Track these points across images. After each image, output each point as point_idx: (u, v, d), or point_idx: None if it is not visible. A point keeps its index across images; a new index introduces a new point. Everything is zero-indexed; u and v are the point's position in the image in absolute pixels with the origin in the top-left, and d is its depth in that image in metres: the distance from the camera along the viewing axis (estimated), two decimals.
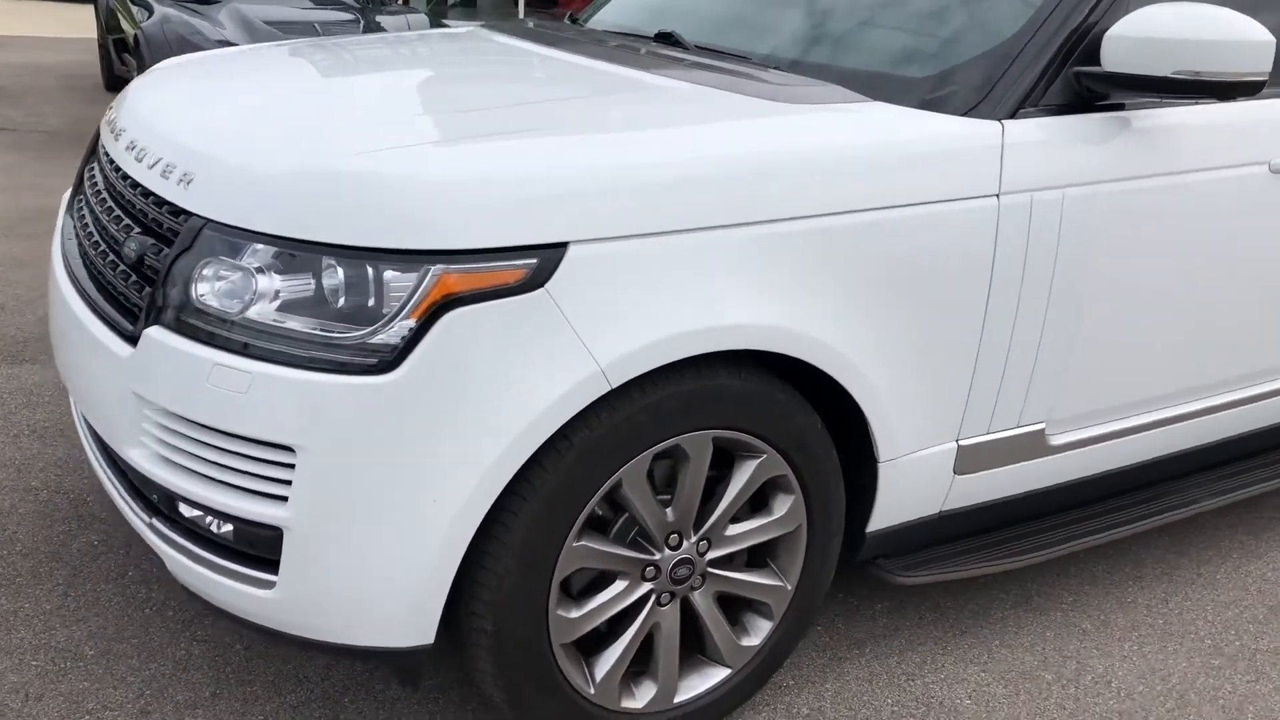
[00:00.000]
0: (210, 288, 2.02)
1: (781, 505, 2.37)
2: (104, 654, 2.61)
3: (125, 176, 2.35)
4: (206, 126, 2.26)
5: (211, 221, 2.03)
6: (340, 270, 1.93)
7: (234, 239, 2.01)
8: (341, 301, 1.93)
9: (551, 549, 2.08)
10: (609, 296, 1.99)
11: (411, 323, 1.90)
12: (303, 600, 2.03)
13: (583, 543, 2.15)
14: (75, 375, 2.39)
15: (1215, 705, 2.67)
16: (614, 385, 2.00)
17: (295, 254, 1.96)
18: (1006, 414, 2.60)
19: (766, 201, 2.13)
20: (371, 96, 2.47)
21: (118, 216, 2.32)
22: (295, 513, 1.96)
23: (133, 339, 2.11)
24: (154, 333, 2.05)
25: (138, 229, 2.22)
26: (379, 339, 1.91)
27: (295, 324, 1.94)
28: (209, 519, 2.09)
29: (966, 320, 2.41)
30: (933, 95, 2.46)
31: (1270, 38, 2.37)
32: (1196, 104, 2.70)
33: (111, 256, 2.30)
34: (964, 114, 2.40)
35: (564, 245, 1.96)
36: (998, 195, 2.38)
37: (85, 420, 2.56)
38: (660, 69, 2.67)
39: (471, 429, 1.94)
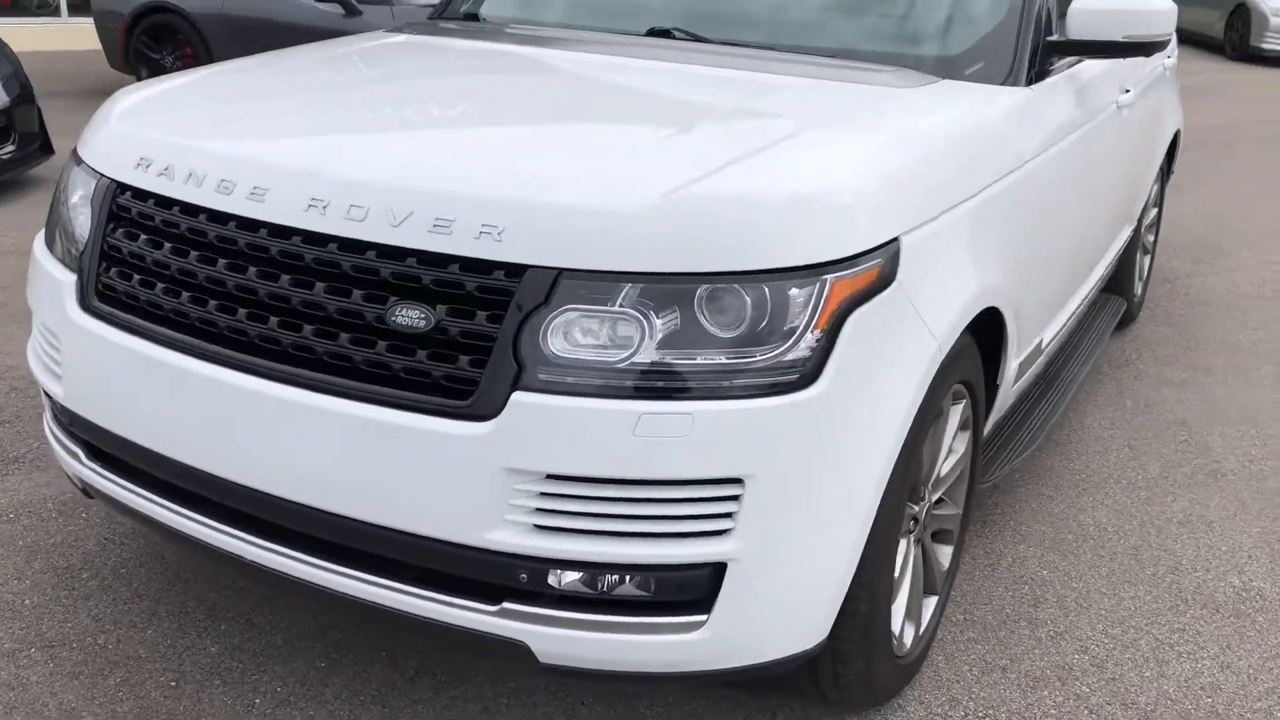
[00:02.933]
0: (579, 337, 1.91)
1: (961, 442, 2.69)
2: None
3: (325, 241, 2.05)
4: (450, 169, 2.06)
5: (567, 270, 1.90)
6: (743, 295, 1.92)
7: (599, 284, 1.91)
8: (743, 326, 1.93)
9: (896, 519, 2.24)
10: (929, 278, 2.19)
11: (818, 334, 1.96)
12: (735, 630, 2.01)
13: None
14: (306, 480, 2.06)
15: None
16: (943, 358, 2.21)
17: (669, 287, 1.92)
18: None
19: (981, 174, 2.45)
20: (560, 115, 2.44)
21: (340, 288, 2.03)
22: (743, 543, 1.94)
23: (474, 415, 1.91)
24: (524, 399, 1.89)
25: (397, 297, 1.98)
26: (792, 355, 1.94)
27: (702, 358, 1.91)
28: (607, 578, 1.97)
29: (1041, 242, 2.91)
30: (972, 70, 2.87)
31: (1174, 5, 3.08)
32: (1089, 61, 3.37)
33: (346, 335, 2.02)
34: (1009, 85, 2.83)
35: (898, 239, 2.11)
36: (1038, 156, 2.85)
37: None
38: (748, 68, 2.78)
39: (875, 425, 2.05)
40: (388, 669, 2.58)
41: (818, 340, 1.95)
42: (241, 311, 2.12)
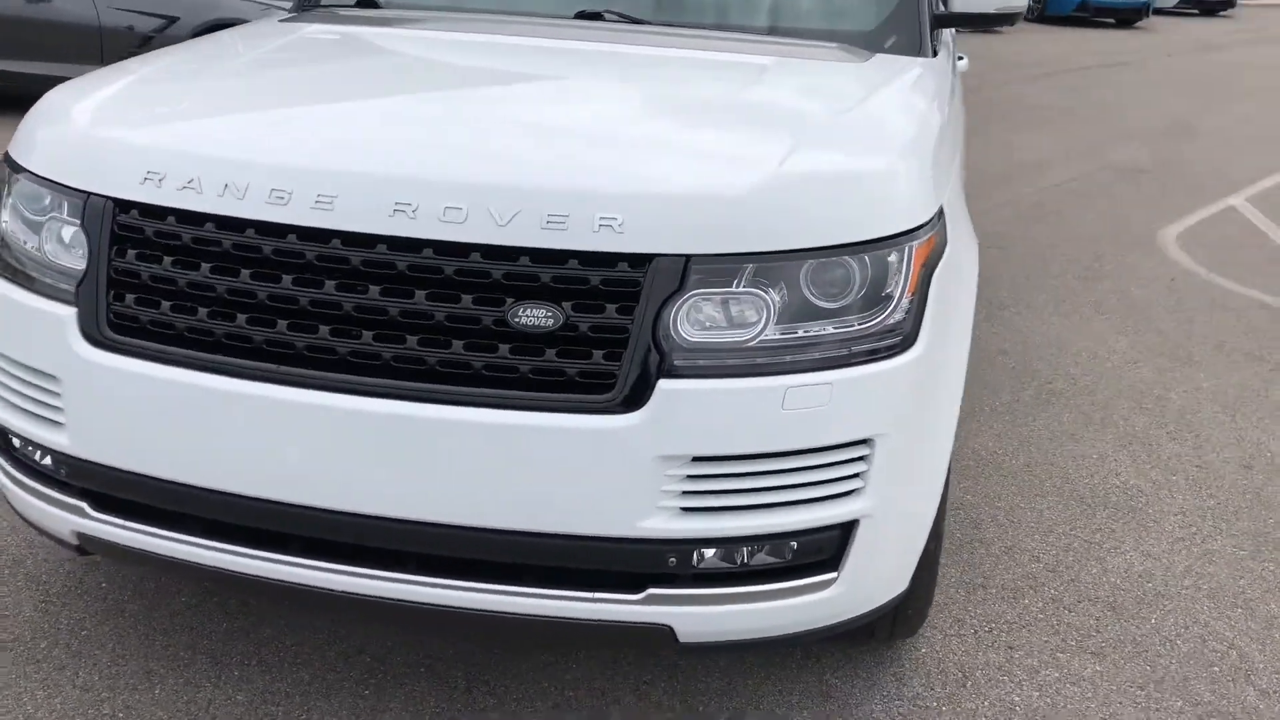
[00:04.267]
0: (706, 320, 1.95)
1: None
2: None
3: (419, 246, 1.96)
4: (553, 164, 2.03)
5: (695, 256, 1.94)
6: (851, 266, 2.02)
7: (722, 266, 1.96)
8: (851, 296, 2.03)
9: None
10: (957, 237, 2.38)
11: (911, 297, 2.10)
12: (859, 583, 2.12)
13: None
14: (414, 494, 1.97)
15: None
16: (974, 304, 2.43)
17: (782, 263, 2.00)
18: None
19: (953, 138, 2.69)
20: (595, 103, 2.44)
21: (446, 293, 1.95)
22: (871, 500, 2.05)
23: (619, 407, 1.91)
24: (670, 385, 1.91)
25: (514, 297, 1.93)
26: (894, 319, 2.07)
27: (821, 329, 2.00)
28: (745, 550, 2.03)
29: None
30: (889, 44, 3.09)
31: None
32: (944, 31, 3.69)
33: (460, 341, 1.95)
34: (922, 56, 3.08)
35: (942, 205, 2.29)
36: (951, 117, 3.14)
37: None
38: (701, 48, 2.85)
39: (954, 374, 2.24)
40: (437, 685, 2.49)
41: (910, 303, 2.09)
42: (324, 328, 1.98)
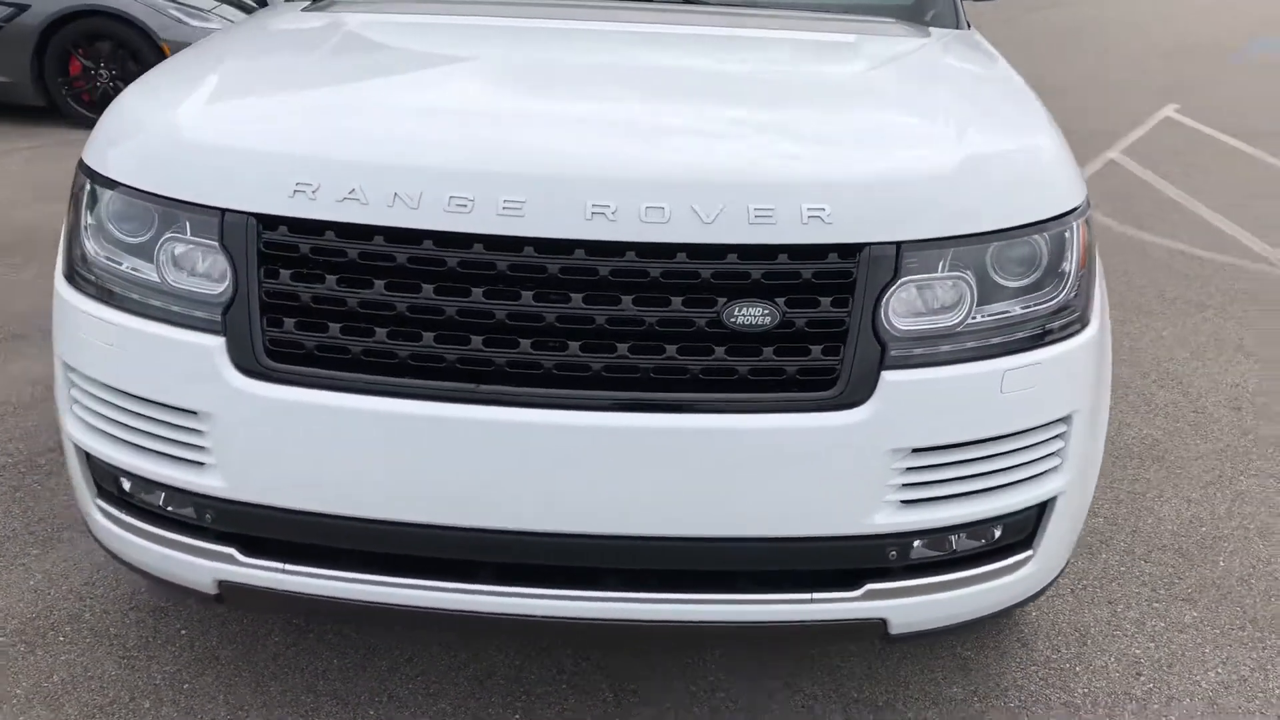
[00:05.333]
0: (914, 307, 1.93)
1: None
2: None
3: (621, 250, 1.86)
4: (739, 154, 1.97)
5: (906, 243, 1.91)
6: (1036, 244, 2.02)
7: (928, 252, 1.93)
8: (1035, 274, 2.03)
9: None
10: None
11: (1082, 272, 2.11)
12: (1049, 558, 2.14)
13: None
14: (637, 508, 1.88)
15: None
16: None
17: (975, 246, 1.98)
18: None
19: None
20: (733, 89, 2.37)
21: (655, 297, 1.86)
22: (1068, 476, 2.07)
23: (845, 403, 1.86)
24: (894, 377, 1.88)
25: (726, 297, 1.86)
26: (1071, 295, 2.07)
27: (1011, 309, 2.00)
28: (954, 538, 2.02)
29: None
30: (931, 18, 3.11)
31: None
32: None
33: (673, 346, 1.86)
34: (961, 28, 3.11)
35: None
36: None
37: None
38: (775, 25, 2.81)
39: (1109, 342, 2.27)
40: (585, 698, 2.40)
41: (1081, 278, 2.10)
42: (524, 342, 1.86)
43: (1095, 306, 2.13)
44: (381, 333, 1.88)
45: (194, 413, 1.94)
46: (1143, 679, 2.54)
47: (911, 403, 1.88)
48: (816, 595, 1.97)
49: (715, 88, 2.34)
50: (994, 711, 2.42)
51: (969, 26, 3.16)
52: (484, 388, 1.86)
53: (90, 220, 2.09)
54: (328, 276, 1.89)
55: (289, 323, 1.90)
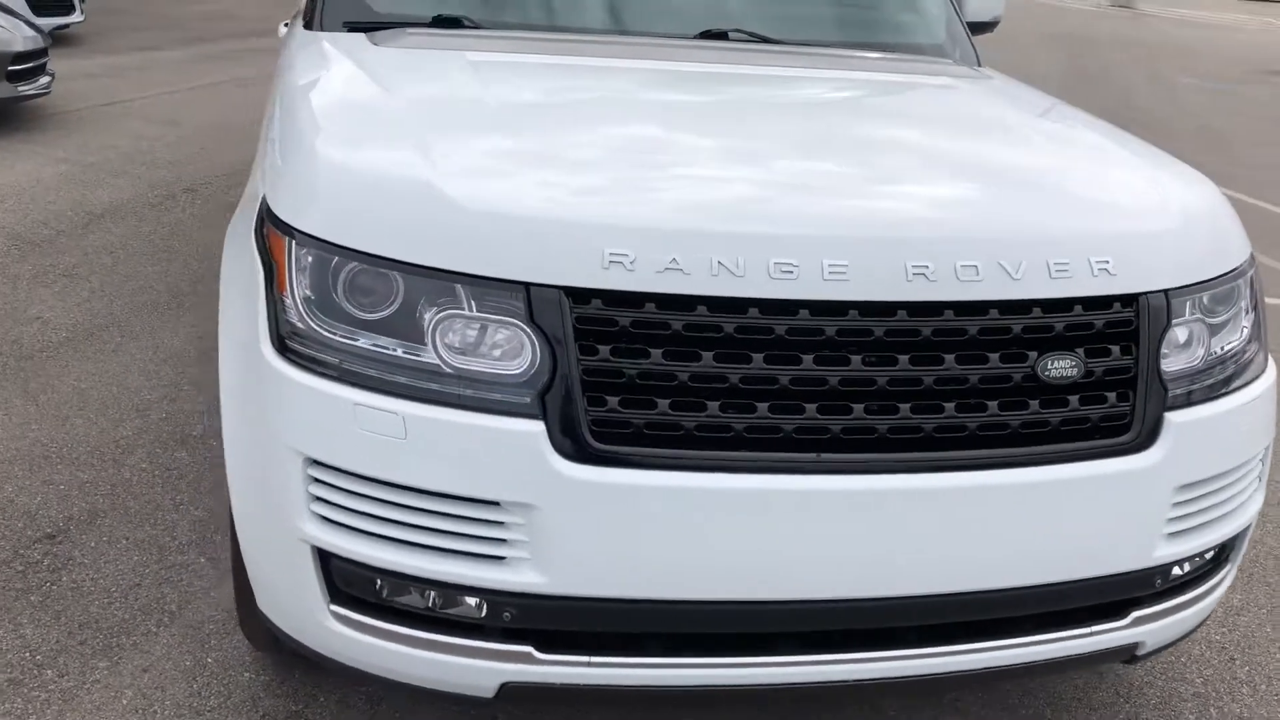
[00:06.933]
0: (1171, 349, 2.06)
1: None
2: None
3: (939, 309, 1.88)
4: (1026, 209, 2.05)
5: (1171, 290, 2.04)
6: (1236, 287, 2.20)
7: (1183, 299, 2.07)
8: (1228, 315, 2.20)
9: None
10: None
11: (1261, 309, 2.31)
12: (1235, 565, 2.33)
13: None
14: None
15: None
16: None
17: (1203, 294, 2.13)
18: None
19: None
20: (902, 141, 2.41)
21: (973, 354, 1.90)
22: (1263, 494, 2.27)
23: (1137, 447, 1.97)
24: (1176, 418, 2.01)
25: (1036, 351, 1.93)
26: (1260, 330, 2.26)
27: (1222, 347, 2.16)
28: (1193, 560, 2.17)
29: None
30: (959, 56, 3.29)
31: None
32: None
33: (993, 402, 1.91)
34: (978, 66, 3.31)
35: None
36: None
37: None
38: (844, 66, 2.89)
39: None
40: None
41: (1255, 321, 2.30)
42: (856, 407, 1.84)
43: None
44: (713, 406, 1.80)
45: (496, 503, 1.78)
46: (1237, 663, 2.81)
47: (1191, 441, 2.01)
48: (1093, 629, 2.07)
49: (902, 139, 2.39)
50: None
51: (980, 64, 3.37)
52: (825, 456, 1.83)
53: (307, 293, 1.87)
54: (651, 350, 1.79)
55: (612, 401, 1.79)
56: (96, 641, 2.56)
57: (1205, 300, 2.09)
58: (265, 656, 2.51)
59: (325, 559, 1.90)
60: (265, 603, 2.06)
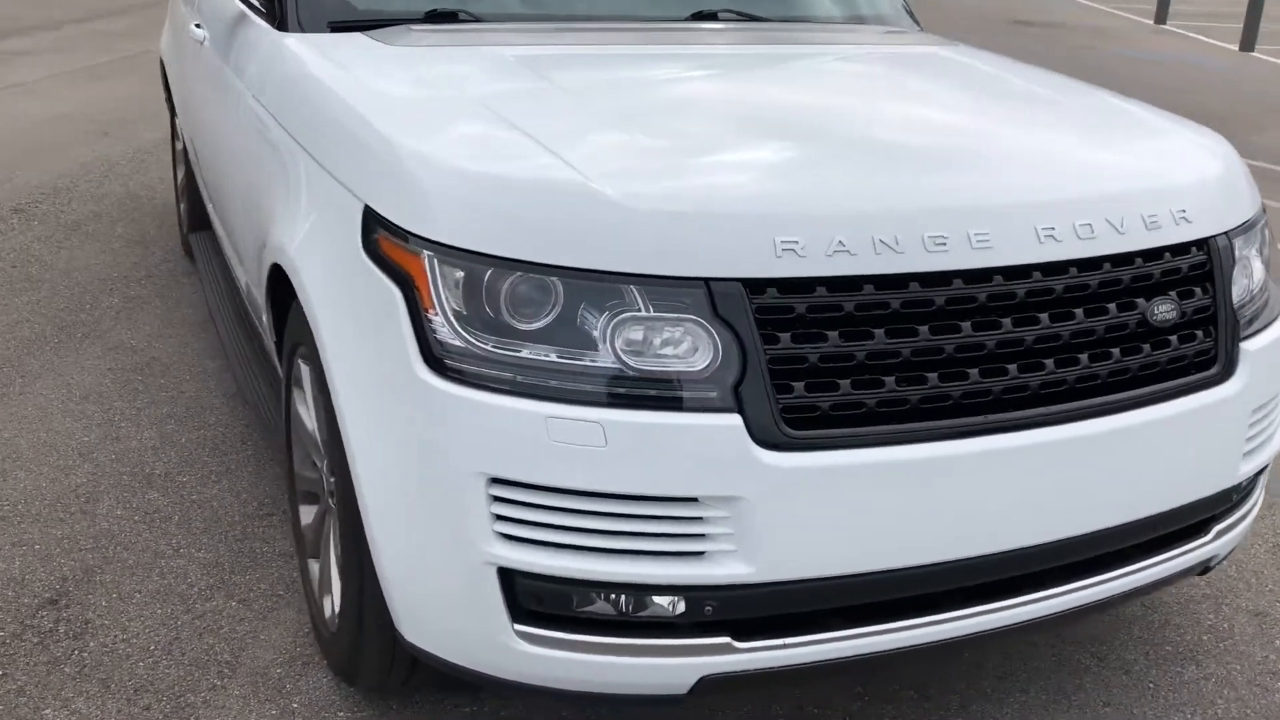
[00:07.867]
0: (1239, 284, 2.27)
1: None
2: None
3: (1065, 268, 2.01)
4: (1095, 169, 2.18)
5: (1232, 230, 2.24)
6: (1266, 229, 2.43)
7: (1234, 240, 2.27)
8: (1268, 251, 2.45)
9: None
10: None
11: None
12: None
13: None
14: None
15: None
16: None
17: (1249, 232, 2.35)
18: None
19: None
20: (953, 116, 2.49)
21: (1096, 307, 2.03)
22: None
23: (1222, 377, 2.16)
24: (1250, 346, 2.21)
25: (1143, 299, 2.08)
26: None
27: (1264, 279, 2.41)
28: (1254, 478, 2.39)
29: None
30: (908, 23, 3.45)
31: None
32: None
33: (1116, 350, 2.05)
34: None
35: None
36: None
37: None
38: (833, 41, 2.99)
39: None
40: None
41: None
42: (1009, 367, 1.94)
43: None
44: (890, 381, 1.86)
45: (695, 499, 1.79)
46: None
47: (1260, 366, 2.21)
48: (1187, 546, 2.26)
49: (969, 106, 2.50)
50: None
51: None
52: (991, 417, 1.92)
53: (460, 308, 1.81)
54: (828, 333, 1.83)
55: (798, 387, 1.81)
56: (164, 706, 2.38)
57: (1249, 237, 2.30)
58: (356, 692, 2.41)
59: (508, 579, 1.85)
60: (420, 634, 1.98)
